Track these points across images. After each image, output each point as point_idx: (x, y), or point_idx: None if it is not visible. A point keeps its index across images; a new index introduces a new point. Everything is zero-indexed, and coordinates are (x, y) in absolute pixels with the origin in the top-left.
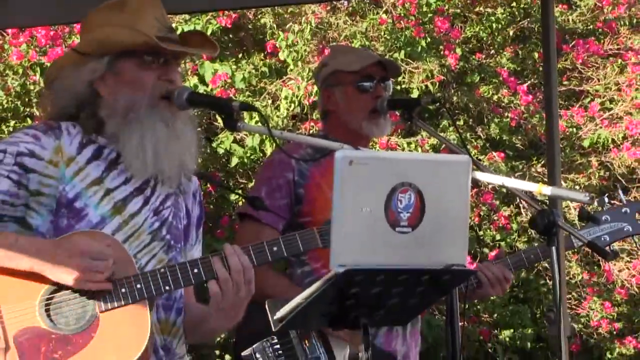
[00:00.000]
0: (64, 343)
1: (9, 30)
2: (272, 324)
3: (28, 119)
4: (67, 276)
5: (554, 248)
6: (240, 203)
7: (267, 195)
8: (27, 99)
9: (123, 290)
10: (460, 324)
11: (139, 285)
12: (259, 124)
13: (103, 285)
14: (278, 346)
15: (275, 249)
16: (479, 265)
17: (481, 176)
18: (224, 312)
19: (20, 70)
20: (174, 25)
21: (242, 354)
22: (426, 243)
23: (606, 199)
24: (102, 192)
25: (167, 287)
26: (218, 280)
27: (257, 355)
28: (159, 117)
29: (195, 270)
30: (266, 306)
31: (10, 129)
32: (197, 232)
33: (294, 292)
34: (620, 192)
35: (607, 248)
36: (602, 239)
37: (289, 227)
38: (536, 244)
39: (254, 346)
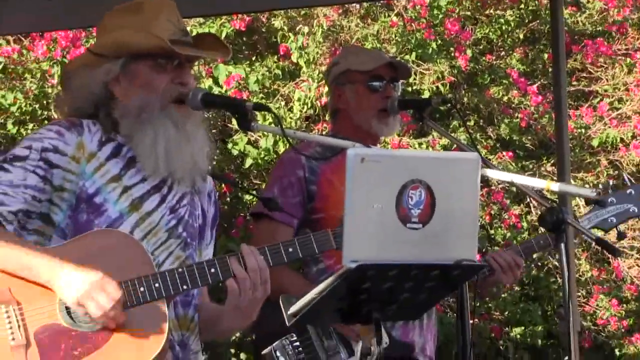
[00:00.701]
0: (84, 340)
1: (33, 34)
2: (286, 319)
3: (46, 121)
4: (70, 298)
5: (563, 245)
6: (254, 203)
7: (280, 193)
8: (45, 102)
9: (142, 289)
10: (471, 321)
11: (157, 285)
12: (273, 125)
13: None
14: (298, 343)
15: (290, 250)
16: (490, 253)
17: (491, 173)
18: (239, 310)
19: (39, 74)
20: (188, 28)
21: (263, 352)
22: (436, 239)
23: (611, 182)
24: (121, 189)
25: (184, 287)
26: (235, 278)
27: (278, 354)
28: (169, 118)
29: (213, 270)
30: (280, 301)
31: (29, 131)
32: (212, 232)
33: (310, 291)
34: (625, 175)
35: (615, 229)
36: (609, 220)
37: (302, 224)
38: None
39: (274, 344)
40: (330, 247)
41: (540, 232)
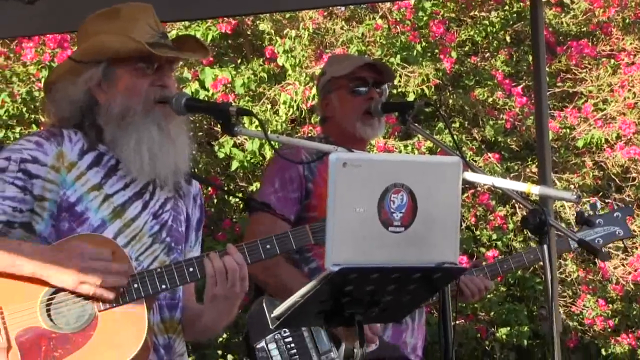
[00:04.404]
0: (64, 342)
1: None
2: (269, 322)
3: (33, 125)
4: (68, 279)
5: (545, 246)
6: (241, 206)
7: (280, 187)
8: (32, 106)
9: (120, 290)
10: (457, 322)
11: (135, 285)
12: (259, 128)
13: (102, 290)
14: (290, 339)
15: (268, 247)
16: (462, 278)
17: (472, 177)
18: (216, 304)
19: (26, 77)
20: (174, 32)
21: (255, 345)
22: (418, 242)
23: (598, 205)
24: (102, 197)
25: (163, 286)
26: (213, 267)
27: (270, 347)
28: (153, 121)
29: (191, 269)
30: (263, 304)
31: (17, 135)
32: (197, 234)
33: None
34: (614, 204)
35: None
36: (596, 241)
37: (297, 220)
38: (532, 244)
39: (266, 337)
40: (308, 241)
41: (526, 233)
